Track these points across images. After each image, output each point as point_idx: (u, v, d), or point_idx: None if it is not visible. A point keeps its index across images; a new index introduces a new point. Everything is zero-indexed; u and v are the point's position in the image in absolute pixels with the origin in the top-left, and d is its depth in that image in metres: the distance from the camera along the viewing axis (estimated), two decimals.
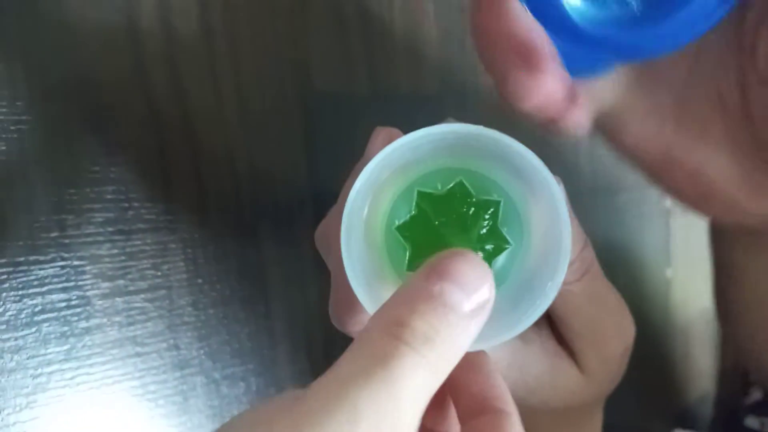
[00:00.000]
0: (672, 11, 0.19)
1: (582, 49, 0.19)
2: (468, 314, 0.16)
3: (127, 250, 0.26)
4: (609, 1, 0.20)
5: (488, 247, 0.19)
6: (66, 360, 0.25)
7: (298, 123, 0.30)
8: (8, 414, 0.24)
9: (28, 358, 0.24)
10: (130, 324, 0.26)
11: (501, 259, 0.20)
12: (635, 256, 0.45)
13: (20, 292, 0.24)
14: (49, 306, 0.25)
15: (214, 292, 0.28)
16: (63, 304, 0.25)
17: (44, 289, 0.25)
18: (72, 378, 0.25)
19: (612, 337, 0.24)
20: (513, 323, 0.18)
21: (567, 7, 0.19)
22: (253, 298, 0.29)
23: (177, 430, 0.28)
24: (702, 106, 0.21)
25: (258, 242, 0.29)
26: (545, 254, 0.19)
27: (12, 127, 0.24)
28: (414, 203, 0.19)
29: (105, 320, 0.26)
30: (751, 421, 0.43)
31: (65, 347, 0.25)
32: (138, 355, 0.27)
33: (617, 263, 0.43)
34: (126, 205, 0.26)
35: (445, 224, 0.19)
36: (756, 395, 0.47)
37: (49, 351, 0.25)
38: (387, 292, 0.17)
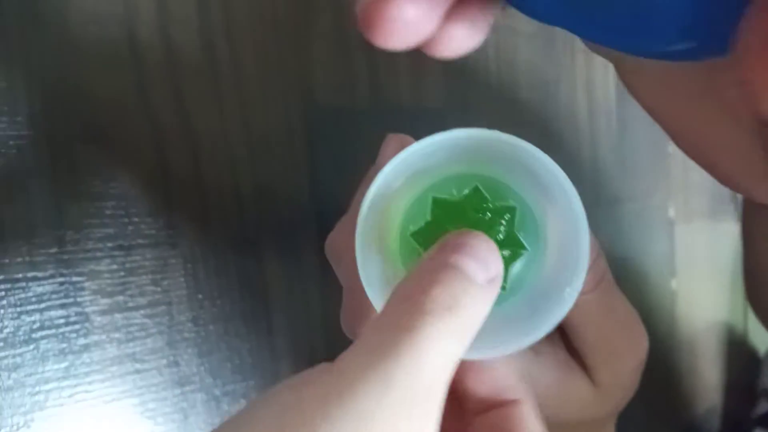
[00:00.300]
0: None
1: None
2: (484, 285, 0.17)
3: (127, 265, 0.26)
4: None
5: (505, 253, 0.19)
6: (64, 377, 0.25)
7: (301, 137, 0.30)
8: None
9: (26, 376, 0.24)
10: (129, 340, 0.26)
11: (517, 265, 0.19)
12: (639, 267, 0.45)
13: (18, 309, 0.24)
14: (47, 323, 0.25)
15: (215, 307, 0.28)
16: (62, 321, 0.25)
17: (42, 305, 0.24)
18: (70, 396, 0.25)
19: (625, 350, 0.24)
20: (530, 330, 0.18)
21: None
22: (254, 314, 0.29)
23: None
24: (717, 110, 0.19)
25: (259, 257, 0.29)
26: (562, 260, 0.19)
27: (11, 142, 0.24)
28: (429, 209, 0.19)
29: (104, 337, 0.26)
30: None
31: (64, 364, 0.25)
32: (137, 372, 0.26)
33: (621, 275, 0.43)
34: (126, 220, 0.26)
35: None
36: (763, 407, 0.46)
37: (47, 368, 0.24)
38: None
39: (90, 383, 0.25)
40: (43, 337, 0.24)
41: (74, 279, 0.25)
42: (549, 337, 0.24)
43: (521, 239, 0.19)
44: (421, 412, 0.15)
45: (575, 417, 0.24)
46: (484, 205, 0.19)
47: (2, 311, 0.24)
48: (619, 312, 0.24)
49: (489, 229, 0.19)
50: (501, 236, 0.19)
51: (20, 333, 0.24)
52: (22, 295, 0.24)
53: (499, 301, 0.18)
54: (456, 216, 0.19)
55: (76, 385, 0.25)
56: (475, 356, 0.18)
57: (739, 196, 0.49)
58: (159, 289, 0.27)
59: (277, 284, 0.29)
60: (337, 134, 0.31)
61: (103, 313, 0.26)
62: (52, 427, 0.24)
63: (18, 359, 0.24)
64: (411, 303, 0.16)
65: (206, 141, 0.28)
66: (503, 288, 0.19)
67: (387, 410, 0.14)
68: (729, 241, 0.50)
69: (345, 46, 0.31)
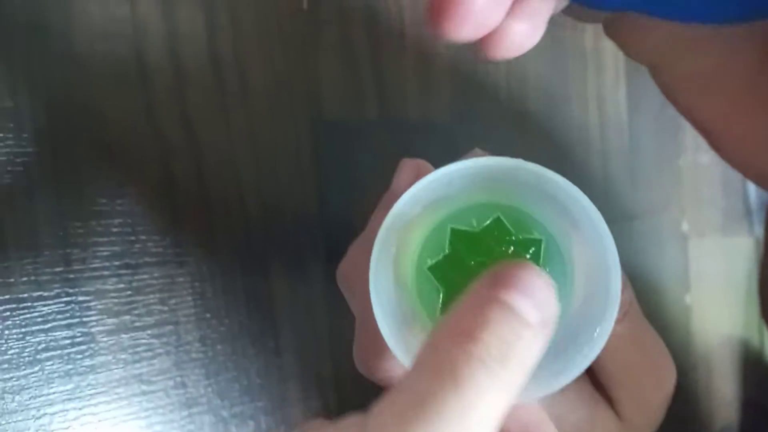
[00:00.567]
0: None
1: None
2: (538, 327, 0.15)
3: (134, 284, 0.26)
4: None
5: None
6: (69, 399, 0.24)
7: (308, 152, 0.30)
8: None
9: (30, 399, 0.24)
10: (135, 361, 0.26)
11: None
12: (653, 283, 0.44)
13: (23, 330, 0.24)
14: (52, 344, 0.24)
15: (223, 327, 0.27)
16: (67, 342, 0.24)
17: (48, 326, 0.24)
18: (75, 419, 0.24)
19: (652, 385, 0.23)
20: (556, 374, 0.17)
21: None
22: (262, 334, 0.28)
23: None
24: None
25: (268, 276, 0.29)
26: (591, 297, 0.17)
27: (17, 159, 0.24)
28: (447, 241, 0.18)
29: (110, 357, 0.25)
30: None
31: (69, 386, 0.24)
32: (144, 393, 0.26)
33: (635, 290, 0.42)
34: (133, 238, 0.26)
35: (482, 265, 0.18)
36: None
37: (52, 390, 0.24)
38: (418, 337, 0.16)
39: (96, 405, 0.25)
40: (48, 359, 0.24)
41: (80, 298, 0.25)
42: None
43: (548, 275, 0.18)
44: None
45: None
46: (507, 238, 0.18)
47: (7, 332, 0.23)
48: (646, 345, 0.23)
49: None
50: None
51: (25, 354, 0.24)
52: (27, 316, 0.24)
53: None
54: (476, 249, 0.18)
55: (81, 408, 0.25)
56: None
57: (755, 210, 0.49)
58: (166, 308, 0.26)
59: (285, 304, 0.29)
60: (345, 149, 0.31)
61: (109, 333, 0.25)
62: None
63: (22, 381, 0.24)
64: (456, 348, 0.14)
65: (213, 157, 0.27)
66: None
67: None
68: (743, 256, 0.49)
69: (352, 59, 0.31)
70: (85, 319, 0.25)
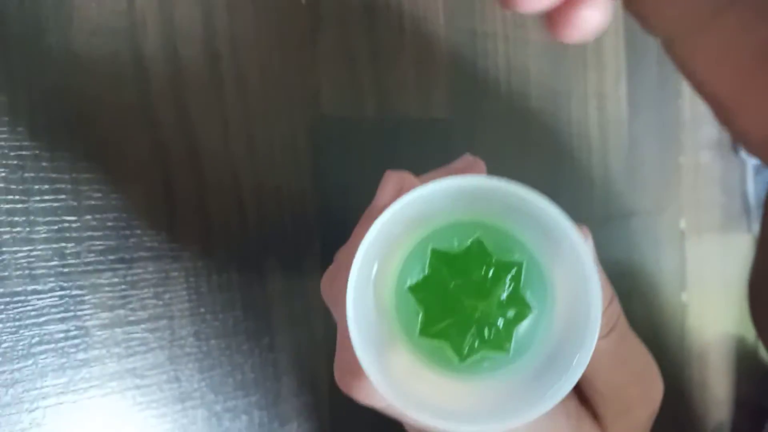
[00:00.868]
0: None
1: None
2: None
3: (128, 278, 0.26)
4: None
5: (510, 313, 0.17)
6: (63, 393, 0.24)
7: (306, 150, 0.30)
8: None
9: (23, 392, 0.24)
10: (129, 355, 0.26)
11: (524, 324, 0.18)
12: (650, 280, 0.44)
13: (17, 323, 0.24)
14: (46, 337, 0.24)
15: (217, 322, 0.27)
16: (61, 335, 0.24)
17: (42, 319, 0.24)
18: (69, 412, 0.24)
19: (639, 401, 0.23)
20: (536, 400, 0.16)
21: None
22: (257, 329, 0.28)
23: None
24: None
25: (263, 272, 0.29)
26: (572, 321, 0.17)
27: (12, 153, 0.24)
28: (427, 262, 0.18)
29: (104, 351, 0.25)
30: None
31: (63, 380, 0.24)
32: (137, 387, 0.26)
33: (631, 289, 0.42)
34: (128, 232, 0.26)
35: (462, 287, 0.17)
36: None
37: (45, 384, 0.24)
38: (396, 359, 0.16)
39: (89, 399, 0.25)
40: (41, 352, 0.24)
41: (74, 292, 0.25)
42: None
43: (527, 298, 0.18)
44: None
45: None
46: (488, 260, 0.17)
47: (0, 326, 0.23)
48: (633, 360, 0.23)
49: (492, 286, 0.17)
50: (505, 294, 0.17)
51: (19, 348, 0.24)
52: (21, 309, 0.24)
53: (502, 365, 0.17)
54: (456, 270, 0.17)
55: (75, 401, 0.25)
56: (473, 430, 0.16)
57: (753, 208, 0.49)
58: (161, 302, 0.26)
59: (280, 300, 0.29)
60: (344, 147, 0.31)
61: (103, 327, 0.25)
62: None
63: (16, 374, 0.24)
64: None
65: (209, 154, 0.27)
66: (507, 351, 0.17)
67: None
68: (740, 254, 0.49)
69: (351, 57, 0.31)
70: (79, 313, 0.25)
